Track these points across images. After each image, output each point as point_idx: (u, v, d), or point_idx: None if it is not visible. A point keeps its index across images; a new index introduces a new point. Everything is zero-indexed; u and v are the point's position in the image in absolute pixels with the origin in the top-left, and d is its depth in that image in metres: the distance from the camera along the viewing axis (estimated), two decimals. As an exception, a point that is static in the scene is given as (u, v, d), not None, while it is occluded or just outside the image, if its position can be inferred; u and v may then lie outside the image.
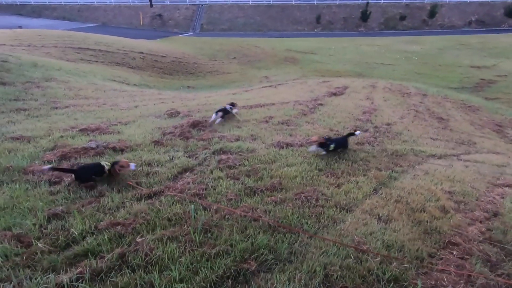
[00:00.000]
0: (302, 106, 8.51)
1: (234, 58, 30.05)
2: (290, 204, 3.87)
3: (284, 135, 6.54)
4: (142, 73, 19.13)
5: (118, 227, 3.00)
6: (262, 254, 2.85)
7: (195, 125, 6.70)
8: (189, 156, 5.19)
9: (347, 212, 3.86)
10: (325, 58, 29.20)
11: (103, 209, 3.39)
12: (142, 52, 23.52)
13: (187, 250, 2.74)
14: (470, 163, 5.88)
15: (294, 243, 3.05)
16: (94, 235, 2.89)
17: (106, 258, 2.55)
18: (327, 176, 4.91)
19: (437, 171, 5.34)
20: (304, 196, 4.15)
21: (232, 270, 2.60)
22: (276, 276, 2.58)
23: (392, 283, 2.58)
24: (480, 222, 3.71)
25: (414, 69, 24.62)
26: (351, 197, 4.25)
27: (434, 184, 4.78)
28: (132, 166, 4.08)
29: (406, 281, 2.60)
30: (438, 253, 3.05)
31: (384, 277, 2.63)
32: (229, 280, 2.50)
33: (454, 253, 3.02)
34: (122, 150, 5.19)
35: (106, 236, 2.85)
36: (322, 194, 4.24)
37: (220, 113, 6.94)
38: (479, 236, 3.34)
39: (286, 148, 5.85)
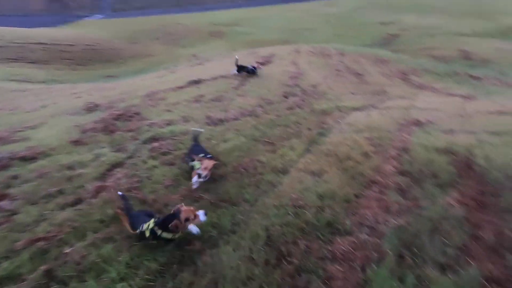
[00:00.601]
0: (232, 80, 8.42)
1: (157, 38, 27.88)
2: (230, 178, 3.92)
3: (217, 111, 6.44)
4: (47, 67, 16.56)
5: (40, 243, 2.67)
6: (206, 232, 2.86)
7: (120, 116, 6.15)
8: (117, 151, 4.78)
9: (284, 174, 4.06)
10: (252, 29, 28.98)
11: (19, 227, 2.97)
12: (43, 43, 20.18)
13: (125, 248, 2.60)
14: (384, 110, 6.63)
15: (236, 215, 3.12)
16: (11, 259, 2.53)
17: (28, 280, 2.27)
18: (263, 145, 5.05)
19: (358, 122, 5.91)
20: (242, 168, 4.23)
21: (176, 255, 2.56)
22: (221, 249, 2.63)
23: (326, 228, 2.85)
24: (394, 159, 4.27)
25: (333, 31, 26.09)
26: (286, 160, 4.47)
27: (356, 134, 5.29)
28: (201, 215, 2.68)
29: (338, 223, 2.90)
30: (363, 193, 3.45)
31: (319, 225, 2.89)
32: (174, 265, 2.47)
33: (375, 189, 3.45)
34: (34, 158, 4.52)
35: (25, 256, 2.52)
36: (259, 162, 4.37)
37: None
38: (393, 171, 3.86)
39: (221, 124, 5.80)
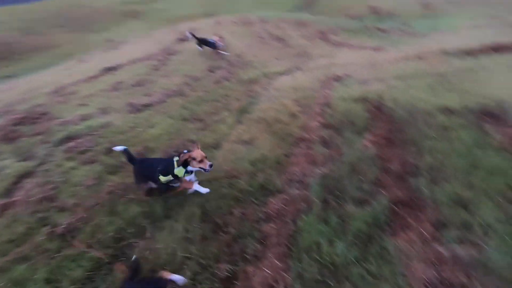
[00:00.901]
0: (152, 61, 7.79)
1: (61, 26, 24.07)
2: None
3: (140, 97, 5.94)
4: None
5: None
6: (138, 224, 2.69)
7: (22, 120, 5.28)
8: (24, 159, 4.13)
9: (216, 149, 4.00)
10: (170, 5, 26.85)
11: None
12: None
13: (42, 264, 2.30)
14: (308, 71, 6.88)
15: (169, 199, 2.99)
16: None
17: None
18: (193, 123, 4.87)
19: (285, 86, 6.04)
20: (173, 150, 4.04)
21: (107, 255, 2.37)
22: (156, 237, 2.51)
23: (260, 192, 2.92)
24: (318, 115, 4.51)
25: (254, -2, 25.66)
26: (218, 134, 4.40)
27: (284, 97, 5.42)
28: (208, 164, 2.63)
29: (270, 184, 2.98)
30: (292, 152, 3.59)
31: (253, 190, 2.93)
32: (105, 265, 2.29)
33: (302, 146, 3.62)
34: None
35: None
36: (190, 142, 4.21)
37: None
38: (318, 126, 4.07)
39: (146, 109, 5.39)
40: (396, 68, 6.36)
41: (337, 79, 6.02)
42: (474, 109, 3.69)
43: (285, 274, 2.08)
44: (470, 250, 1.81)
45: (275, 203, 2.66)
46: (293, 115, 4.63)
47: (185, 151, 2.70)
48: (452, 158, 2.76)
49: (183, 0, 28.01)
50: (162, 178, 2.65)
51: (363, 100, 4.67)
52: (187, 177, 2.71)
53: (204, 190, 2.71)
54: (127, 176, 3.47)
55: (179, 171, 2.60)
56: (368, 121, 3.87)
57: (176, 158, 2.67)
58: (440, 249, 1.88)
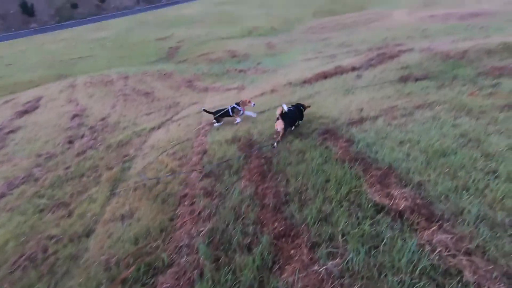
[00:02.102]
0: (-19, 147, 6.17)
1: None
2: (6, 285, 2.82)
3: (-34, 199, 4.52)
4: None
5: None
6: None
7: None
8: None
9: (88, 236, 3.39)
10: (3, 71, 22.59)
11: None
12: None
13: None
14: (181, 120, 6.94)
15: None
16: None
17: None
18: (53, 212, 4.03)
19: (160, 141, 5.86)
20: (25, 259, 3.17)
21: None
22: None
23: (147, 274, 2.59)
24: (197, 164, 4.52)
25: (112, 54, 24.72)
26: (88, 216, 3.76)
27: (161, 154, 5.22)
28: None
29: (158, 260, 2.70)
30: (176, 213, 3.41)
31: (139, 274, 2.58)
32: None
33: (185, 203, 3.50)
34: None
35: None
36: (50, 239, 3.42)
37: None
38: (198, 177, 4.06)
39: (-23, 213, 4.13)
40: (256, 104, 7.21)
41: (210, 123, 6.30)
42: (318, 130, 4.52)
43: None
44: (338, 261, 2.10)
45: (165, 281, 2.40)
46: (171, 170, 4.48)
47: None
48: (311, 177, 3.24)
49: (20, 63, 24.12)
50: None
51: (235, 140, 5.01)
52: None
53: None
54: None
55: None
56: (241, 161, 4.14)
57: None
58: (319, 269, 2.10)
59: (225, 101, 7.61)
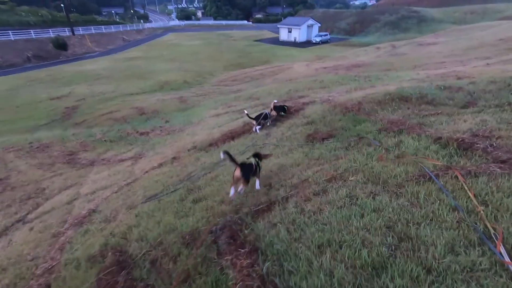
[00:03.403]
0: None
1: None
2: None
3: None
4: None
5: None
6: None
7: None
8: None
9: None
10: None
11: None
12: None
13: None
14: (38, 220, 4.91)
15: None
16: None
17: None
18: None
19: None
20: None
21: None
22: None
23: None
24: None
25: (-13, 119, 20.06)
26: None
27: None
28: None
29: None
30: None
31: None
32: None
33: None
34: None
35: None
36: None
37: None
38: None
39: None
40: (151, 180, 5.77)
41: (78, 223, 4.52)
42: (214, 227, 3.35)
43: None
44: None
45: None
46: None
47: None
48: None
49: None
50: None
51: (102, 254, 3.42)
52: None
53: None
54: None
55: None
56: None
57: None
58: None
59: (113, 178, 5.92)
